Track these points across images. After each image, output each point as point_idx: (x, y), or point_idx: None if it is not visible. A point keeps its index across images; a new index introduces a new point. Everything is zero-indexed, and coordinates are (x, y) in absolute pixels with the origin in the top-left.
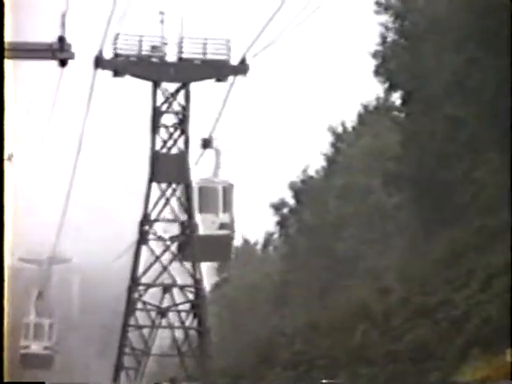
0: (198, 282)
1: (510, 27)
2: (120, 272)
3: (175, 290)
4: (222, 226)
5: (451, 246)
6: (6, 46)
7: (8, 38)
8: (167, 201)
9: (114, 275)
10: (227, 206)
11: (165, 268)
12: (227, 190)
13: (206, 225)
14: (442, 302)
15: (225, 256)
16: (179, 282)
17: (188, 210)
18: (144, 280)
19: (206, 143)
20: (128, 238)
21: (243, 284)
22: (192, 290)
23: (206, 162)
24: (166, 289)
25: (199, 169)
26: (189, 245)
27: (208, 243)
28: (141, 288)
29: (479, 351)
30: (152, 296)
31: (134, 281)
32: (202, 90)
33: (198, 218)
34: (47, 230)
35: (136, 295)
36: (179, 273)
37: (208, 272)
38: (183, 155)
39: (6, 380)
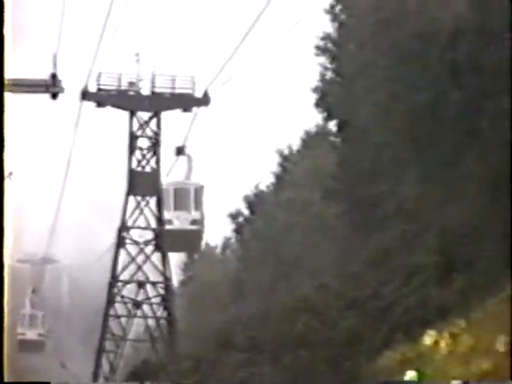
0: (167, 279)
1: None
2: (101, 270)
3: (148, 286)
4: (194, 222)
5: (379, 249)
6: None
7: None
8: (141, 211)
9: (96, 273)
10: (198, 205)
11: (139, 267)
12: (198, 191)
13: (179, 220)
14: (370, 295)
15: (195, 247)
16: (152, 279)
17: (159, 218)
18: (122, 277)
19: (179, 151)
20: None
21: (206, 281)
22: (162, 285)
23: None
24: (141, 285)
25: (174, 173)
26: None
27: (181, 236)
28: (119, 284)
29: (401, 337)
30: (129, 291)
31: (114, 278)
32: (171, 118)
33: (173, 214)
34: (40, 236)
35: (115, 290)
36: (152, 271)
37: (176, 271)
38: (155, 173)
39: (5, 381)
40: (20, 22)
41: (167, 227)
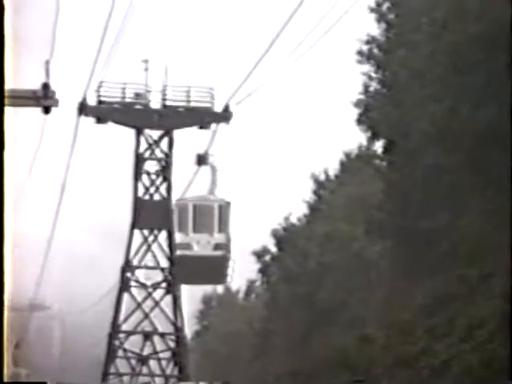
0: (179, 330)
1: (486, 79)
2: (99, 318)
3: (156, 338)
4: (218, 247)
5: (432, 295)
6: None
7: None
8: (149, 247)
9: (93, 322)
10: (223, 226)
11: (146, 315)
12: (223, 209)
13: (200, 245)
14: (422, 350)
15: (220, 279)
16: (160, 329)
17: (170, 257)
18: (125, 327)
19: (201, 160)
20: (107, 284)
21: (225, 332)
22: (173, 337)
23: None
24: (147, 336)
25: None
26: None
27: (202, 264)
28: (122, 335)
29: None
30: (133, 343)
31: (115, 328)
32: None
33: (193, 237)
34: (27, 277)
35: (117, 342)
36: (160, 320)
37: (189, 320)
38: (165, 202)
39: (5, 381)
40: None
41: (184, 253)
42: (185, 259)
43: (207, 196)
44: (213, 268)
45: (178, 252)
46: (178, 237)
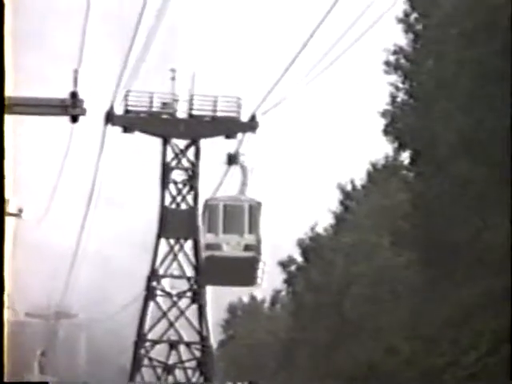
0: (204, 339)
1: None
2: (124, 326)
3: (182, 347)
4: (248, 248)
5: (458, 307)
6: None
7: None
8: (175, 256)
9: (119, 330)
10: (254, 227)
11: (171, 324)
12: (254, 209)
13: (230, 246)
14: (449, 363)
15: (250, 281)
16: (186, 338)
17: (196, 266)
18: (150, 336)
19: (232, 159)
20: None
21: (250, 342)
22: (198, 346)
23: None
24: (173, 345)
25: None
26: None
27: (232, 266)
28: (147, 344)
29: None
30: (158, 352)
31: (141, 337)
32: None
33: (223, 237)
34: (54, 285)
35: (142, 351)
36: (186, 329)
37: (214, 329)
38: (192, 211)
39: (5, 380)
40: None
41: (214, 254)
42: (214, 260)
43: (238, 196)
44: (243, 269)
45: (208, 253)
46: (208, 237)
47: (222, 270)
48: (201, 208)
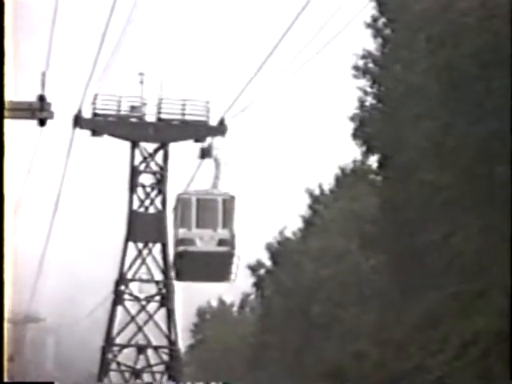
0: (172, 343)
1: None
2: (92, 330)
3: (150, 351)
4: (222, 243)
5: (427, 311)
6: None
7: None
8: (143, 260)
9: (86, 333)
10: (228, 221)
11: (140, 328)
12: (228, 203)
13: (203, 241)
14: (417, 366)
15: (224, 276)
16: (154, 342)
17: (164, 270)
18: (118, 340)
19: (205, 152)
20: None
21: (219, 345)
22: (167, 351)
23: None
24: (141, 349)
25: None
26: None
27: (206, 261)
28: (115, 348)
29: None
30: (126, 357)
31: (109, 341)
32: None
33: (196, 232)
34: (22, 289)
35: (110, 356)
36: (154, 333)
37: (183, 333)
38: (160, 215)
39: (5, 381)
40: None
41: (187, 249)
42: (188, 255)
43: (211, 190)
44: (217, 265)
45: (181, 248)
46: (181, 232)
47: (195, 265)
48: (169, 211)
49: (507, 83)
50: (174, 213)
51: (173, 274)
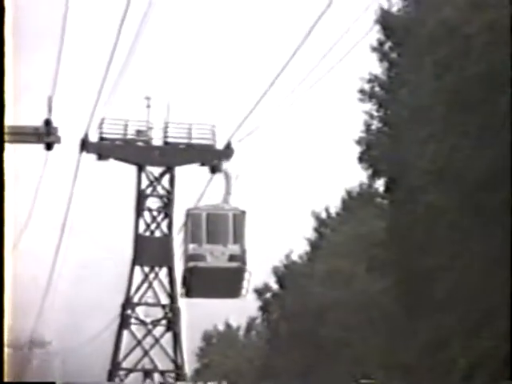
0: (179, 368)
1: (487, 119)
2: (98, 354)
3: (156, 376)
4: (232, 258)
5: (434, 334)
6: None
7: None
8: (150, 285)
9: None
10: (238, 236)
11: (146, 352)
12: (238, 218)
13: (214, 256)
14: None
15: (235, 292)
16: (160, 367)
17: (170, 294)
18: (125, 364)
19: (215, 167)
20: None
21: (225, 370)
22: (173, 375)
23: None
24: (147, 374)
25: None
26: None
27: (216, 277)
28: (121, 373)
29: None
30: (133, 381)
31: (115, 365)
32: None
33: (206, 248)
34: (27, 313)
35: (117, 380)
36: (160, 358)
37: (189, 357)
38: (167, 238)
39: (5, 381)
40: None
41: (198, 265)
42: (198, 271)
43: (221, 205)
44: (227, 280)
45: (191, 264)
46: (191, 248)
47: (206, 281)
48: (175, 234)
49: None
50: (184, 228)
51: (182, 291)
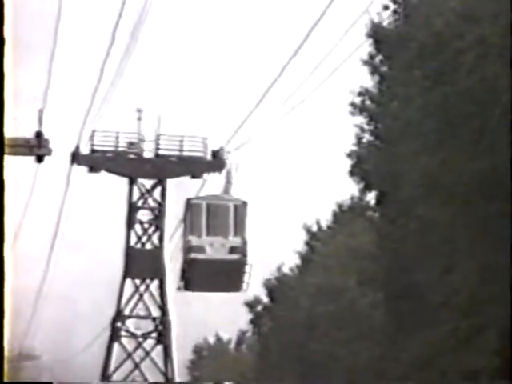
0: (169, 381)
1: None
2: (87, 366)
3: None
4: (233, 250)
5: (424, 348)
6: None
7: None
8: (141, 297)
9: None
10: (239, 228)
11: (136, 365)
12: (239, 209)
13: (214, 248)
14: None
15: (236, 286)
16: (150, 379)
17: (161, 307)
18: (115, 377)
19: (216, 156)
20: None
21: (215, 383)
22: None
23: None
24: None
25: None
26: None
27: (216, 270)
28: None
29: None
30: None
31: (105, 378)
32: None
33: (206, 240)
34: (17, 325)
35: None
36: (151, 370)
37: (180, 370)
38: (158, 251)
39: (5, 380)
40: None
41: (197, 257)
42: (197, 264)
43: (222, 195)
44: (228, 273)
45: (190, 256)
46: (191, 239)
47: (205, 274)
48: (167, 247)
49: (503, 120)
50: (184, 219)
51: (181, 284)
